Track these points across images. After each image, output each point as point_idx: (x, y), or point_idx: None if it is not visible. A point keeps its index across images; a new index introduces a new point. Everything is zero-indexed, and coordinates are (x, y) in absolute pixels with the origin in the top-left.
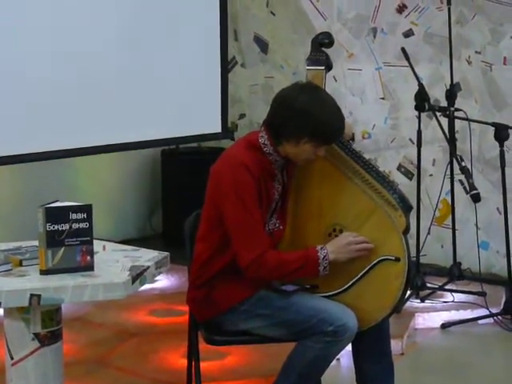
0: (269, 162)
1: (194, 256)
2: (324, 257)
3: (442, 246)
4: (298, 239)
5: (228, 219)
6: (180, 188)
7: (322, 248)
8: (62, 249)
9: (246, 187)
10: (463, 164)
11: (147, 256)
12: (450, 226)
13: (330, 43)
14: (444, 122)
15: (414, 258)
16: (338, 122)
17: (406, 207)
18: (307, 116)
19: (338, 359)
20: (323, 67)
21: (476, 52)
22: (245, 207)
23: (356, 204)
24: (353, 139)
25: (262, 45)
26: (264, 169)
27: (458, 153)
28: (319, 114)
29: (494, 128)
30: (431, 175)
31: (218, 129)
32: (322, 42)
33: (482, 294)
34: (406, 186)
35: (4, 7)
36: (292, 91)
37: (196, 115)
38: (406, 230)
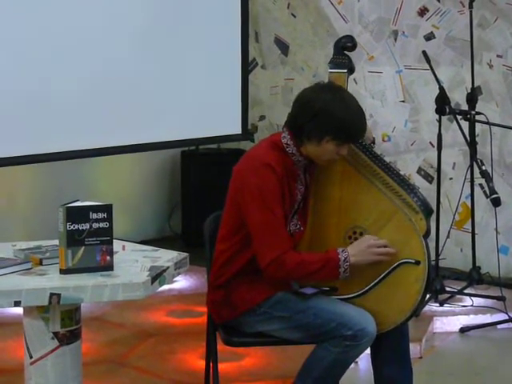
0: (292, 162)
1: (214, 257)
2: (345, 259)
3: (462, 250)
4: (317, 240)
5: (250, 219)
6: (199, 189)
7: (343, 250)
8: (82, 248)
9: (269, 187)
10: (483, 168)
11: (166, 256)
12: (470, 230)
13: (353, 47)
14: (464, 125)
15: (434, 262)
16: (360, 119)
17: (427, 211)
18: (329, 115)
19: (357, 362)
20: (345, 70)
21: (497, 56)
22: (267, 207)
23: (376, 207)
24: (374, 142)
25: (283, 47)
26: (287, 169)
27: (478, 156)
28: (341, 113)
29: None
30: (451, 179)
31: (237, 130)
32: (345, 46)
33: (501, 298)
34: (425, 189)
35: (24, 8)
36: (313, 91)
37: (216, 116)
38: (427, 234)
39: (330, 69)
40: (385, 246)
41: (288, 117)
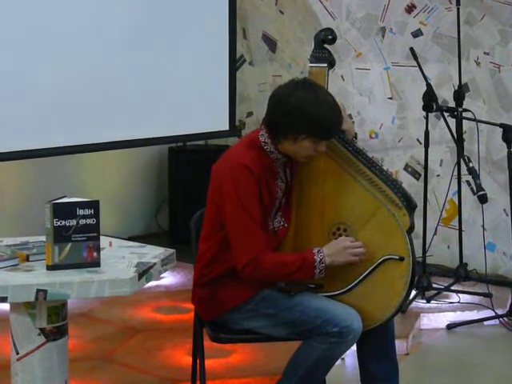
0: (270, 160)
1: (198, 255)
2: (320, 260)
3: (449, 247)
4: (301, 237)
5: (227, 220)
6: (187, 185)
7: (318, 251)
8: (69, 244)
9: (246, 188)
10: (470, 165)
11: (153, 253)
12: (457, 227)
13: (333, 40)
14: (452, 122)
15: (421, 259)
16: (334, 116)
17: (410, 206)
18: (302, 112)
19: (343, 358)
20: (326, 64)
21: (484, 53)
22: (243, 208)
23: (360, 203)
24: (356, 137)
25: (271, 43)
26: (265, 167)
27: (465, 153)
28: (314, 110)
29: (501, 129)
30: (438, 175)
31: (225, 127)
32: (325, 39)
33: (488, 295)
34: (412, 186)
35: (15, 5)
36: (286, 88)
37: (204, 113)
38: (411, 229)
39: (311, 63)
40: (361, 247)
41: (265, 115)
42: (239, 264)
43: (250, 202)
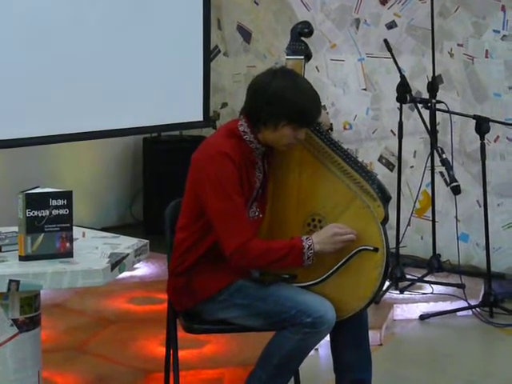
0: (249, 149)
1: (174, 244)
2: (309, 247)
3: (422, 238)
4: (276, 228)
5: (210, 208)
6: (161, 176)
7: (307, 238)
8: (42, 235)
9: (227, 176)
10: (444, 156)
11: (127, 243)
12: (430, 218)
13: (310, 33)
14: (425, 113)
15: (394, 250)
16: (313, 102)
17: (385, 197)
18: (282, 99)
19: (317, 349)
20: (302, 57)
21: (458, 45)
22: (227, 196)
23: (334, 194)
24: (331, 129)
25: (245, 34)
26: (245, 157)
27: (438, 145)
28: (294, 97)
29: (475, 121)
30: (412, 167)
31: (199, 117)
32: (302, 32)
33: (461, 286)
34: (386, 177)
35: None
36: (266, 77)
37: (178, 103)
38: (385, 221)
39: (287, 55)
40: (349, 233)
41: (244, 104)
42: (227, 251)
43: (233, 189)
